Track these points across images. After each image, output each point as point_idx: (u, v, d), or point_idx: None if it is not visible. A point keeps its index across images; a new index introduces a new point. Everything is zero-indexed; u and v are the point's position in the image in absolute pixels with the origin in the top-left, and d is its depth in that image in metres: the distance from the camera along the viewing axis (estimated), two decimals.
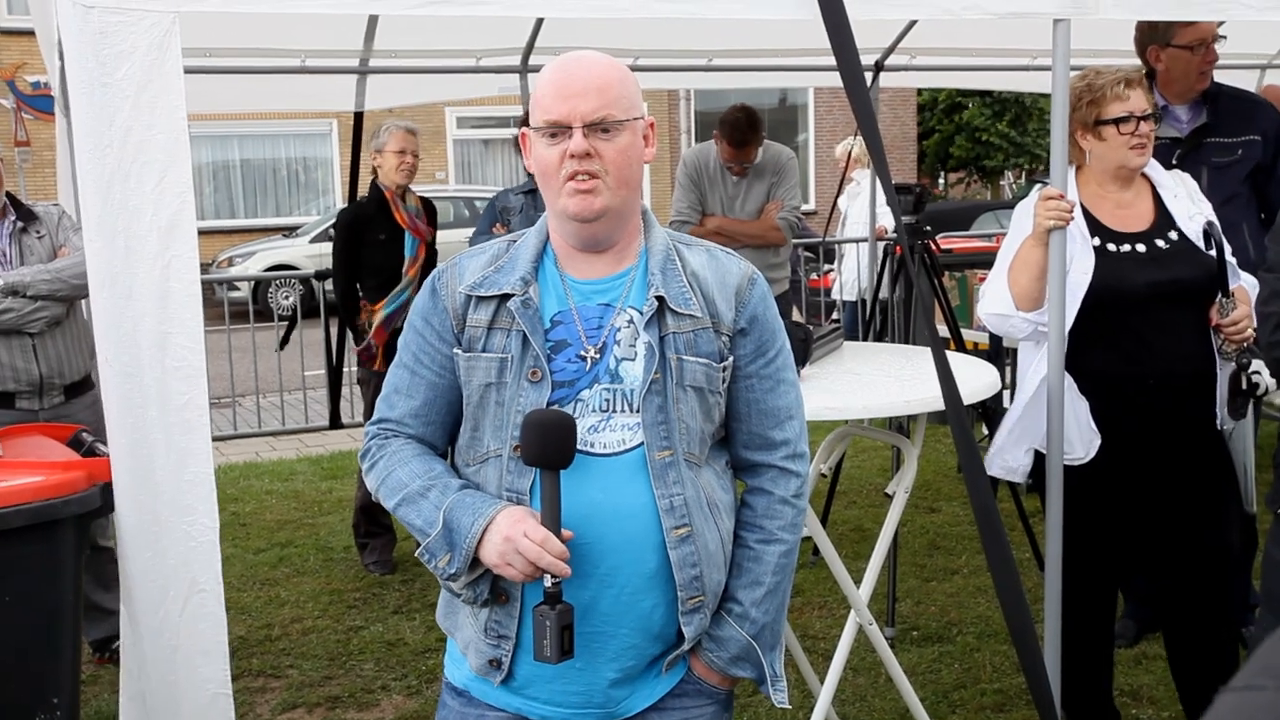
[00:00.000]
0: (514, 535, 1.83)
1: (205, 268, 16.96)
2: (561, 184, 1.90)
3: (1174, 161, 3.84)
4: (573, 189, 1.89)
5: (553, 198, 1.93)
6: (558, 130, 1.89)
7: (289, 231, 18.29)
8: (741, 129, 5.21)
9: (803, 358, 3.32)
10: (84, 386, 4.16)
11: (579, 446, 1.88)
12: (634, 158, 1.93)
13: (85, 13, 2.29)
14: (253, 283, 13.87)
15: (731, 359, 1.99)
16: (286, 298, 14.64)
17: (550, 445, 1.81)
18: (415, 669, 4.33)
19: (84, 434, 3.01)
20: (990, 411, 4.89)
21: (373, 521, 5.45)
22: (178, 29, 2.34)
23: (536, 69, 5.68)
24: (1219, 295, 3.11)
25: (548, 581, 1.84)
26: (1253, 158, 4.07)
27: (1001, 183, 26.76)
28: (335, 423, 6.27)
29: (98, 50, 2.31)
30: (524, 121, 2.01)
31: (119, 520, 2.49)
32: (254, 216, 20.15)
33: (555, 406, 1.90)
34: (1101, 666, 3.41)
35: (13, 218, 4.15)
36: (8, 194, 4.18)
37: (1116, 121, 3.14)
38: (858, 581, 3.41)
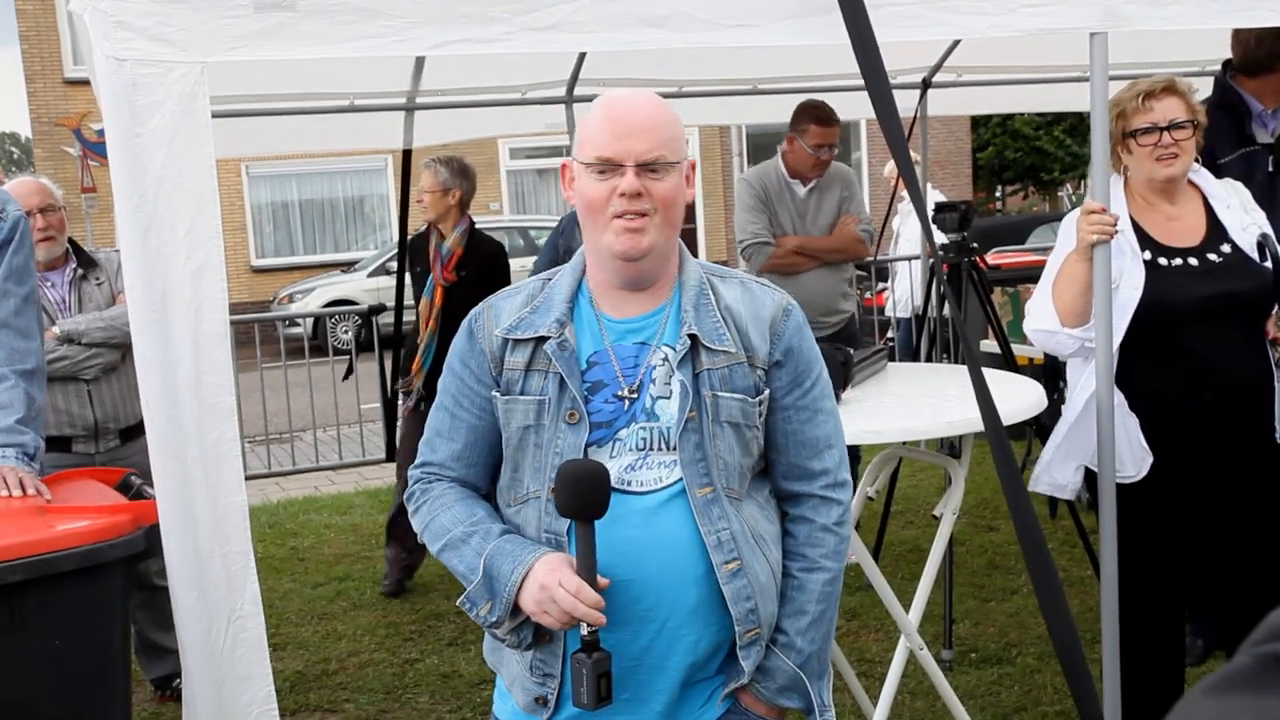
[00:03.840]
0: (549, 584, 1.84)
1: (266, 305, 17.24)
2: (608, 221, 1.91)
3: (1270, 169, 3.79)
4: (621, 227, 1.90)
5: (597, 234, 1.93)
6: (608, 167, 1.89)
7: (347, 266, 18.53)
8: (826, 108, 5.12)
9: (843, 381, 3.30)
10: (139, 430, 4.19)
11: (616, 486, 1.89)
12: (680, 198, 1.95)
13: (118, 66, 2.34)
14: (312, 319, 14.04)
15: (768, 392, 1.99)
16: (345, 331, 14.82)
17: (583, 497, 1.81)
18: (470, 701, 4.34)
19: (132, 477, 3.06)
20: (1046, 429, 4.80)
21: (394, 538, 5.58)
22: (205, 79, 2.39)
23: (582, 99, 5.72)
24: (1275, 307, 3.05)
25: (584, 629, 1.85)
26: None
27: (1060, 194, 26.45)
28: (392, 454, 6.34)
29: (131, 101, 2.36)
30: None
31: (168, 561, 2.53)
32: (313, 253, 20.43)
33: (593, 447, 1.91)
34: (1169, 688, 3.32)
35: (73, 264, 4.23)
36: (70, 240, 4.27)
37: (1139, 133, 3.11)
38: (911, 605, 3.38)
